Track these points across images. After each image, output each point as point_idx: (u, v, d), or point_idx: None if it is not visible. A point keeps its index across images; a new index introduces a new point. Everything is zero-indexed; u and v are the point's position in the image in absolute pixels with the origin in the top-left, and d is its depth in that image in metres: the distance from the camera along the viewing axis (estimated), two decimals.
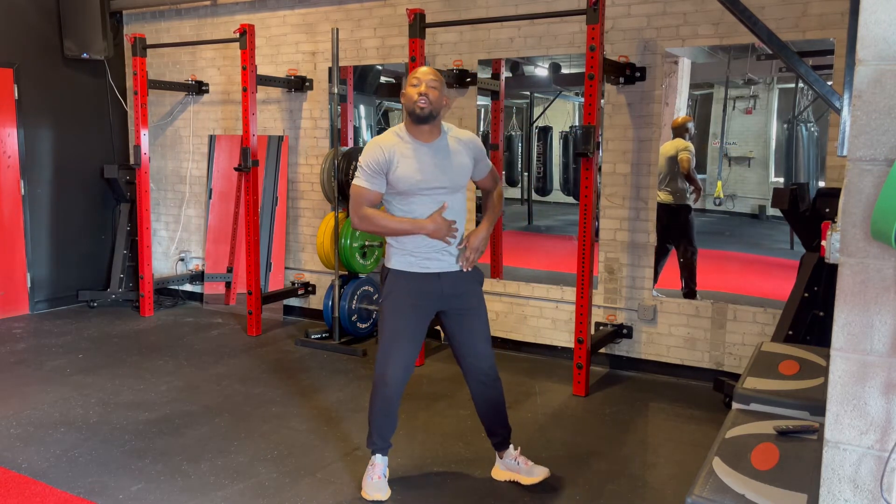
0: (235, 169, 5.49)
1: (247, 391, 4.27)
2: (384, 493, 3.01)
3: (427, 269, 2.87)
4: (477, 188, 3.25)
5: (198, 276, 6.49)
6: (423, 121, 2.79)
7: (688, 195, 5.38)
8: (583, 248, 4.15)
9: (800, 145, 7.21)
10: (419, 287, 2.88)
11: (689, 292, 5.18)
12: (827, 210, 3.59)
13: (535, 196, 9.35)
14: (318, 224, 5.80)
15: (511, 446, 3.16)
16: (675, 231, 5.35)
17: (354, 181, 2.86)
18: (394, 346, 2.90)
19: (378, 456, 3.05)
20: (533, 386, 4.38)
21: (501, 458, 3.16)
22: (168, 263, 6.76)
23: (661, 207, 5.26)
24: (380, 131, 7.92)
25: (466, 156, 2.91)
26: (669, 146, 5.39)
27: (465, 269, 2.91)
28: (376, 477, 3.02)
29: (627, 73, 4.49)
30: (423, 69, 2.85)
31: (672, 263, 5.28)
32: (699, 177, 5.58)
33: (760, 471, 1.83)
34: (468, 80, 5.08)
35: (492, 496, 3.03)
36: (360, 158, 2.85)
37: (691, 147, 5.44)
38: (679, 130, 5.43)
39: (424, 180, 2.81)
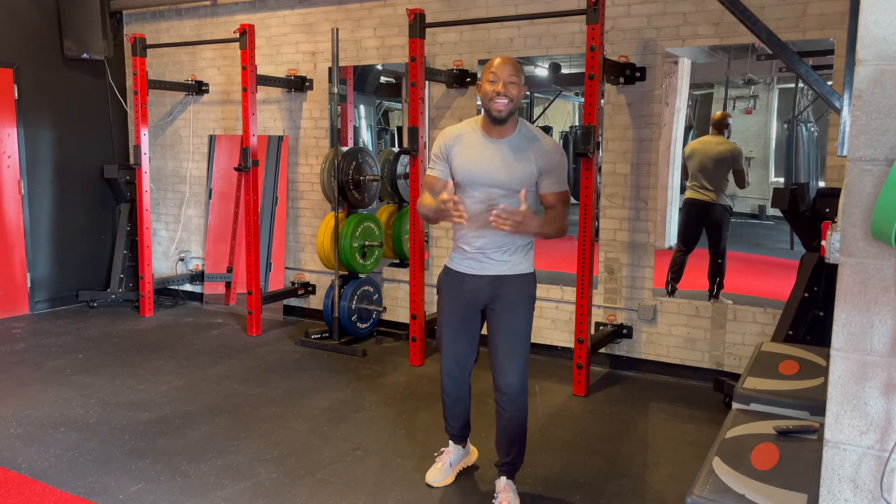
0: (235, 169, 5.49)
1: (247, 391, 4.27)
2: (437, 480, 3.09)
3: (468, 269, 2.85)
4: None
5: (198, 276, 6.49)
6: (501, 122, 2.70)
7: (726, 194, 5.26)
8: (583, 248, 4.15)
9: (800, 145, 7.20)
10: (457, 284, 2.90)
11: (716, 293, 5.10)
12: (827, 210, 3.59)
13: None
14: (318, 224, 5.80)
15: (503, 479, 2.95)
16: (714, 230, 5.24)
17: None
18: (441, 336, 2.99)
19: (451, 443, 3.18)
20: (533, 386, 4.38)
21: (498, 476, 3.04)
22: (168, 263, 6.75)
23: (699, 205, 5.23)
24: (380, 131, 7.94)
25: (534, 162, 2.71)
26: (713, 143, 5.27)
27: (490, 217, 2.57)
28: (440, 463, 3.14)
29: (627, 73, 4.49)
30: (498, 61, 2.65)
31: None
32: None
33: (760, 471, 1.83)
34: (468, 80, 5.08)
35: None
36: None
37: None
38: (719, 126, 5.32)
39: (477, 174, 2.73)
